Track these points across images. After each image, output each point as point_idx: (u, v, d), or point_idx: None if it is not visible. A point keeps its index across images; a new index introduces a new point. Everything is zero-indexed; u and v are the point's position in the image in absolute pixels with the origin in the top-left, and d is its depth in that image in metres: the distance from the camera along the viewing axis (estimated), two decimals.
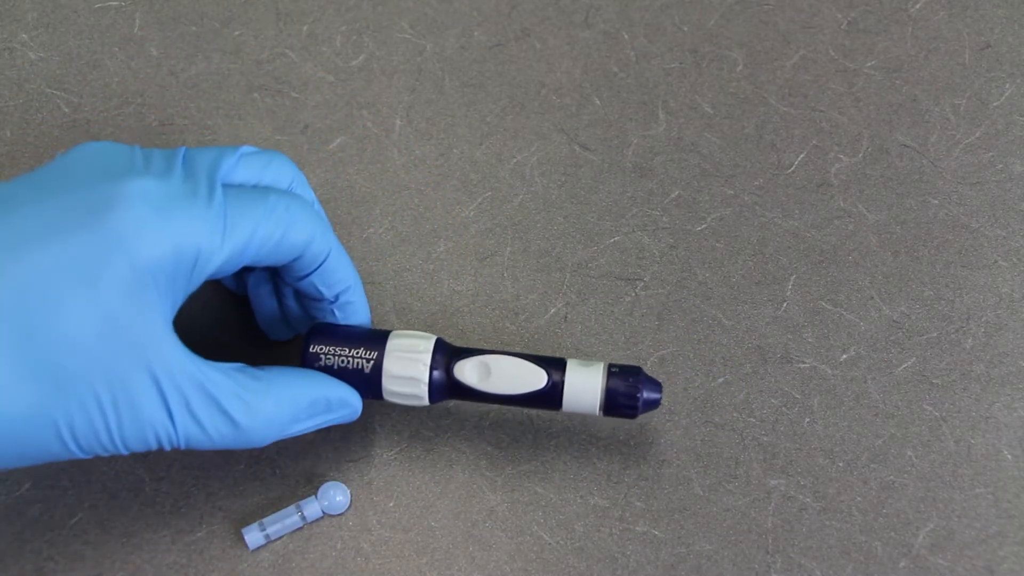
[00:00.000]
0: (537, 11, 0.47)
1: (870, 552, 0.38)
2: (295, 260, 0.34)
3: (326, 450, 0.39)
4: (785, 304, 0.42)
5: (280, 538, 0.38)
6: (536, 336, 0.41)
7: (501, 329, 0.41)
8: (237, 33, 0.47)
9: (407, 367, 0.36)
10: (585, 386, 0.36)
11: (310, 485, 0.39)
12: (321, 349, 0.36)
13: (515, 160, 0.44)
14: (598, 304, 0.42)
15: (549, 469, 0.39)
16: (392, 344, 0.36)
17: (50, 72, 0.46)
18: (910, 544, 0.38)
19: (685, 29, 0.47)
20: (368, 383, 0.36)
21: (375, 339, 0.36)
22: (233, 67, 0.46)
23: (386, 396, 0.36)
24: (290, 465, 0.39)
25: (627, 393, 0.35)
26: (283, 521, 0.38)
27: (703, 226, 0.43)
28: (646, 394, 0.36)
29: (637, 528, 0.38)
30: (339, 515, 0.39)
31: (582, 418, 0.40)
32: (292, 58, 0.46)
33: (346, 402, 0.36)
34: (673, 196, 0.44)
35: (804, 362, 0.41)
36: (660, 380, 0.40)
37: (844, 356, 0.41)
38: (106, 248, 0.29)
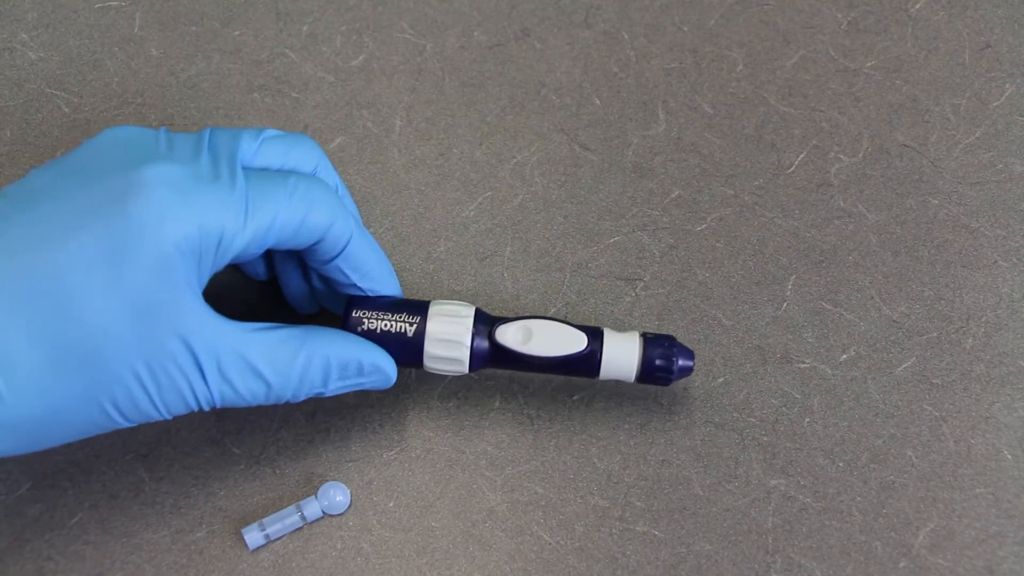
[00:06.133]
0: (537, 11, 0.47)
1: (870, 552, 0.38)
2: (317, 243, 0.35)
3: (326, 450, 0.39)
4: (785, 304, 0.42)
5: (280, 538, 0.38)
6: None
7: None
8: (237, 33, 0.47)
9: (450, 328, 0.36)
10: (623, 353, 0.36)
11: (310, 485, 0.39)
12: (364, 314, 0.36)
13: (515, 160, 0.44)
14: (598, 304, 0.42)
15: (549, 469, 0.39)
16: (435, 309, 0.36)
17: (50, 72, 0.46)
18: (910, 544, 0.38)
19: (685, 29, 0.47)
20: (409, 348, 0.36)
21: (417, 306, 0.36)
22: (233, 67, 0.46)
23: (427, 361, 0.36)
24: (290, 465, 0.39)
25: (663, 361, 0.36)
26: (283, 521, 0.38)
27: (703, 226, 0.43)
28: (681, 362, 0.37)
29: (637, 528, 0.38)
30: (339, 515, 0.39)
31: (581, 417, 0.40)
32: (292, 58, 0.46)
33: (378, 367, 0.36)
34: (673, 196, 0.44)
35: (804, 362, 0.41)
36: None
37: (844, 356, 0.41)
38: (130, 234, 0.30)
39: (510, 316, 0.37)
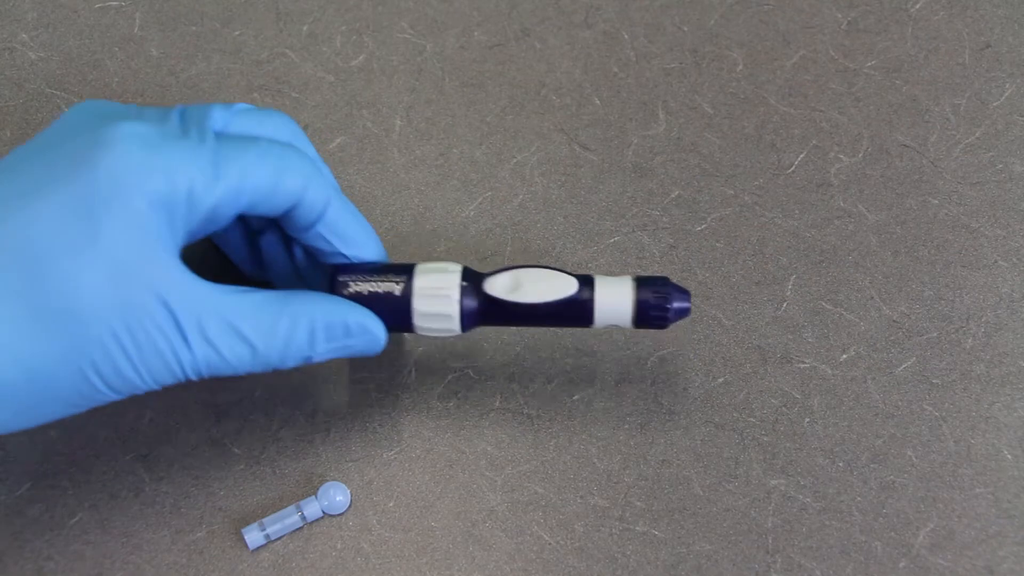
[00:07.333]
0: (537, 11, 0.47)
1: (870, 552, 0.38)
2: (294, 209, 0.34)
3: (326, 450, 0.39)
4: (785, 304, 0.42)
5: (280, 538, 0.38)
6: (536, 336, 0.41)
7: (501, 329, 0.41)
8: (237, 33, 0.47)
9: (438, 283, 0.35)
10: (616, 296, 0.35)
11: (310, 485, 0.39)
12: (349, 278, 0.36)
13: (515, 160, 0.44)
14: None
15: (549, 469, 0.39)
16: (422, 267, 0.36)
17: (50, 72, 0.46)
18: (910, 544, 0.38)
19: (685, 29, 0.47)
20: (397, 307, 0.35)
21: (403, 267, 0.36)
22: (233, 67, 0.46)
23: (416, 320, 0.35)
24: (290, 465, 0.39)
25: (657, 302, 0.35)
26: (283, 521, 0.38)
27: (703, 226, 0.43)
28: (676, 303, 0.35)
29: (637, 528, 0.38)
30: (339, 515, 0.39)
31: (581, 417, 0.40)
32: (292, 58, 0.46)
33: (366, 328, 0.35)
34: (673, 196, 0.44)
35: (804, 362, 0.41)
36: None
37: (844, 356, 0.41)
38: (100, 189, 0.30)
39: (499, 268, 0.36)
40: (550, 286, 0.35)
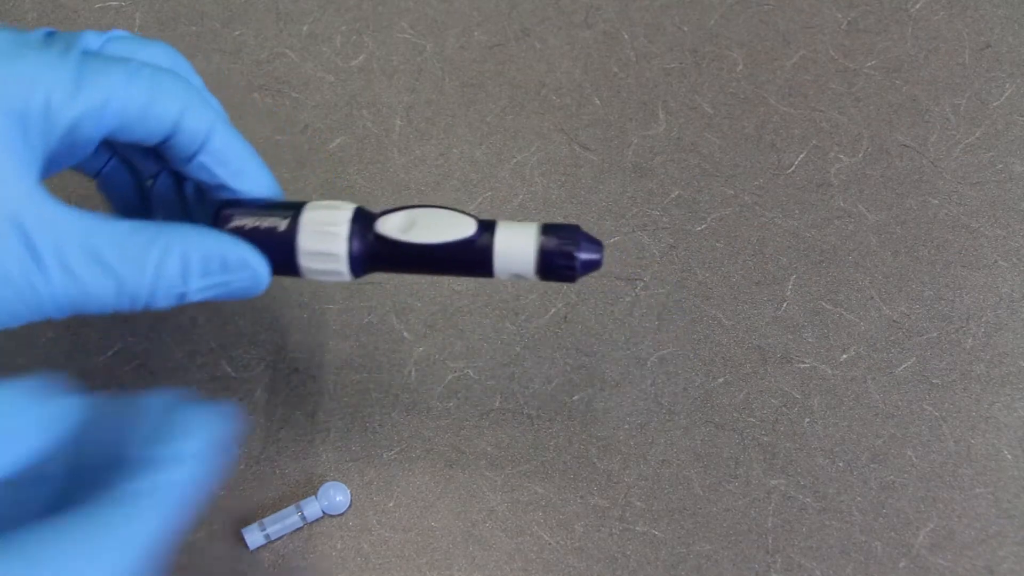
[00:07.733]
0: (537, 11, 0.47)
1: (870, 552, 0.38)
2: (172, 137, 0.31)
3: (326, 450, 0.39)
4: (785, 304, 0.42)
5: (280, 538, 0.38)
6: (536, 336, 0.41)
7: (501, 329, 0.41)
8: (237, 33, 0.47)
9: (327, 217, 0.32)
10: (517, 242, 0.32)
11: (310, 485, 0.39)
12: (234, 212, 0.32)
13: (515, 160, 0.44)
14: (598, 304, 0.42)
15: (549, 469, 0.39)
16: (313, 203, 0.33)
17: None
18: (910, 544, 0.38)
19: (685, 29, 0.47)
20: (281, 243, 0.32)
21: (294, 204, 0.33)
22: (233, 67, 0.46)
23: (301, 260, 0.32)
24: (290, 465, 0.39)
25: (563, 251, 0.32)
26: (283, 521, 0.38)
27: (703, 226, 0.43)
28: (584, 253, 0.32)
29: (637, 528, 0.38)
30: (339, 515, 0.39)
31: (581, 417, 0.40)
32: (292, 58, 0.46)
33: (246, 263, 0.31)
34: (673, 196, 0.44)
35: (804, 362, 0.41)
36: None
37: (844, 356, 0.41)
38: None
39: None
40: (447, 227, 0.32)
